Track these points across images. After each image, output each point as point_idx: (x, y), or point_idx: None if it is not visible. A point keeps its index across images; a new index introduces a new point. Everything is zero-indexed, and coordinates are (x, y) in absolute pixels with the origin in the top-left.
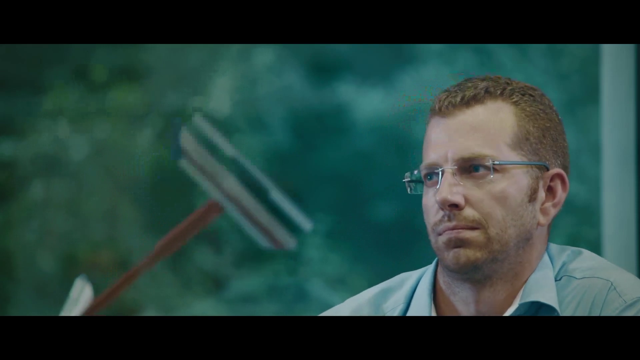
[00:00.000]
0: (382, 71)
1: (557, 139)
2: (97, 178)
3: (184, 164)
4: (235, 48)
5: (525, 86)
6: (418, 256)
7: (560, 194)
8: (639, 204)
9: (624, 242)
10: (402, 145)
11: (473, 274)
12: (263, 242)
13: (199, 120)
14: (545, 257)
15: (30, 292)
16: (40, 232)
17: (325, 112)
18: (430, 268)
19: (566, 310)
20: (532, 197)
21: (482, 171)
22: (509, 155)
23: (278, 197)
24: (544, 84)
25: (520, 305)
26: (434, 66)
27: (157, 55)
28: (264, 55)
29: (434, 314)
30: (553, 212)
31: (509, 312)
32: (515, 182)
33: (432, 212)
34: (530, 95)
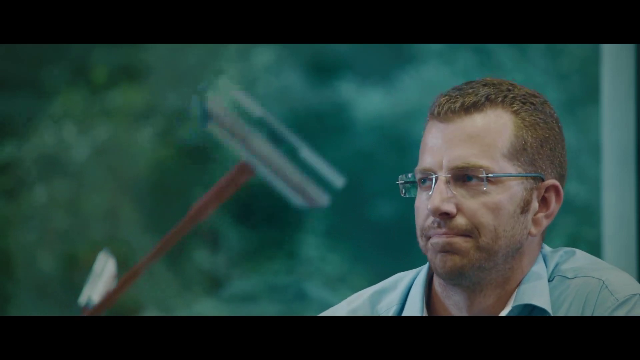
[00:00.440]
0: (382, 71)
1: (555, 148)
2: (98, 178)
3: (212, 128)
4: (234, 48)
5: (527, 93)
6: (418, 256)
7: (554, 206)
8: (639, 204)
9: (624, 242)
10: (402, 145)
11: (460, 281)
12: (296, 200)
13: (224, 82)
14: (539, 259)
15: (30, 292)
16: (40, 232)
17: (325, 111)
18: (424, 269)
19: (559, 310)
20: (524, 208)
21: (475, 181)
22: (505, 166)
23: (308, 155)
24: (544, 84)
25: (513, 308)
26: (434, 66)
27: (157, 55)
28: (264, 55)
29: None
30: (545, 222)
31: (502, 315)
32: (509, 193)
33: (422, 216)
34: (532, 103)
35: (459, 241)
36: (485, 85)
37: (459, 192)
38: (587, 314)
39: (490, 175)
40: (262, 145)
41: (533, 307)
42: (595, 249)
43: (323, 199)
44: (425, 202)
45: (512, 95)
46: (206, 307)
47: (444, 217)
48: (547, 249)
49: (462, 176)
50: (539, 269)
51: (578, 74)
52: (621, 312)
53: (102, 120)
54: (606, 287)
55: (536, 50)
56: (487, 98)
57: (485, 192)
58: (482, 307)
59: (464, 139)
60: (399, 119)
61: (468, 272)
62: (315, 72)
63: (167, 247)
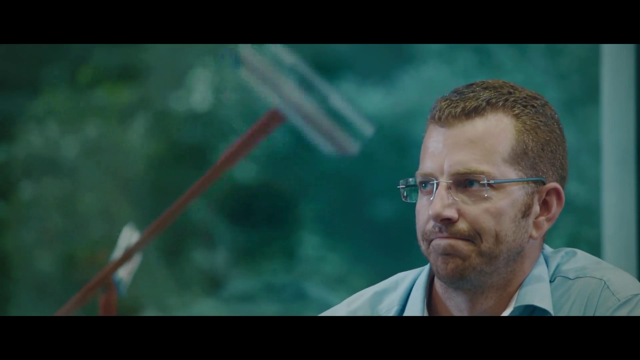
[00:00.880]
0: (382, 71)
1: (556, 151)
2: (94, 177)
3: (243, 73)
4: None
5: (528, 95)
6: (418, 256)
7: (555, 209)
8: (639, 204)
9: (624, 242)
10: (402, 145)
11: (461, 284)
12: (326, 147)
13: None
14: (541, 260)
15: (30, 292)
16: (38, 232)
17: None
18: (425, 270)
19: (560, 310)
20: (526, 212)
21: (477, 187)
22: (506, 171)
23: (338, 102)
24: (544, 84)
25: (515, 309)
26: (434, 66)
27: (154, 54)
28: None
29: None
30: (546, 226)
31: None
32: (511, 198)
33: (424, 219)
34: (532, 106)
35: (461, 244)
36: (485, 88)
37: (460, 198)
38: (589, 314)
39: (491, 181)
40: (293, 91)
41: (534, 308)
42: (595, 249)
43: (353, 146)
44: (427, 206)
45: (512, 98)
46: (205, 307)
47: (446, 222)
48: (548, 249)
49: (464, 181)
50: (540, 270)
51: (578, 74)
52: (623, 312)
53: (96, 119)
54: (608, 287)
55: (536, 50)
56: (488, 102)
57: (486, 198)
58: (484, 308)
59: (465, 144)
60: (399, 118)
61: (469, 275)
62: (315, 72)
63: (192, 198)
